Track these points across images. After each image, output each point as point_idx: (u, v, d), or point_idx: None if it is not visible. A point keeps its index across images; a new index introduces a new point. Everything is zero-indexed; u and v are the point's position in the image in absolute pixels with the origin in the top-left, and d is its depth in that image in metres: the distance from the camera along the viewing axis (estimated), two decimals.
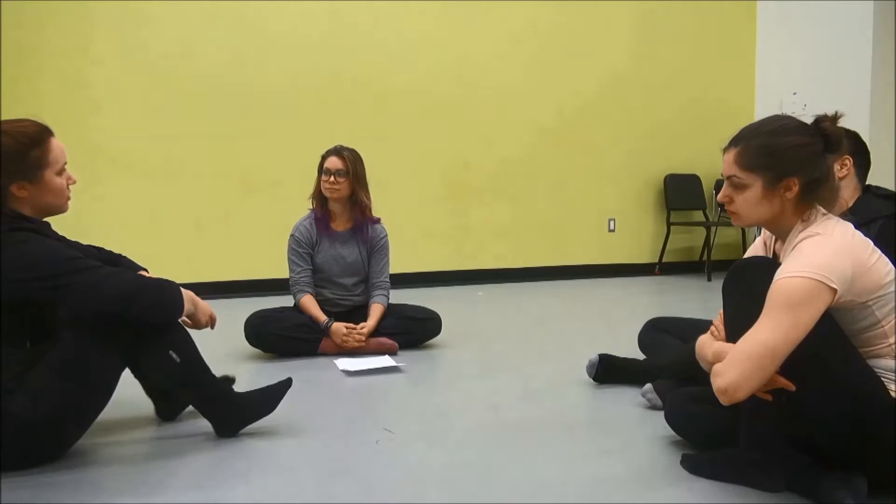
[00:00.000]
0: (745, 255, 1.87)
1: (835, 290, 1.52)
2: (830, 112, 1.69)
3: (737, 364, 1.53)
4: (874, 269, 1.59)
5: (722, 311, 1.83)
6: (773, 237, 1.85)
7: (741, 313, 1.60)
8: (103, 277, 1.83)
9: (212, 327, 2.13)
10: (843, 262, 1.55)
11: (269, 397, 2.18)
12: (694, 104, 6.63)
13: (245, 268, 5.19)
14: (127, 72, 4.92)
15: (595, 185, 6.34)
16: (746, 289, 1.64)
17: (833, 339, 1.58)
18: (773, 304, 1.54)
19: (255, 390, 2.20)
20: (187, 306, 2.01)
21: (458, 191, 5.86)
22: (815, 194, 1.68)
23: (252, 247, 5.19)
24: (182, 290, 2.00)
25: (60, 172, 1.94)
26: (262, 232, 5.17)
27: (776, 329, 1.51)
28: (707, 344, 1.78)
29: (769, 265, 1.61)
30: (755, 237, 7.16)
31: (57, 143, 1.94)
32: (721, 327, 1.82)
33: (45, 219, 1.96)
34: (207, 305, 2.11)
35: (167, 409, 2.27)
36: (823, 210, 1.69)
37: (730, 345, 1.63)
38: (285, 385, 2.21)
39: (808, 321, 1.51)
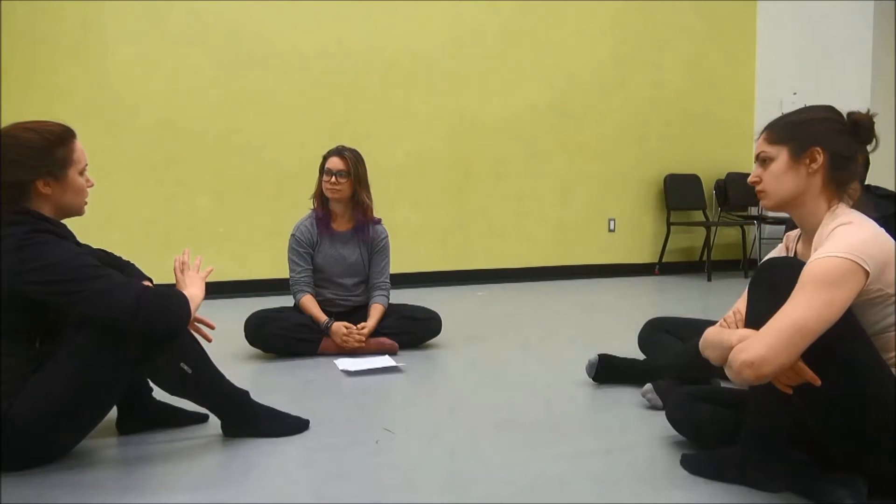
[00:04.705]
0: (766, 259, 1.86)
1: (867, 273, 1.52)
2: None
3: (765, 338, 1.52)
4: None
5: (731, 311, 1.83)
6: (796, 240, 1.85)
7: (766, 311, 1.58)
8: (115, 287, 1.83)
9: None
10: (877, 247, 1.55)
11: (283, 424, 2.19)
12: (694, 104, 6.64)
13: (245, 268, 5.20)
14: (127, 72, 4.92)
15: (595, 185, 6.34)
16: (773, 287, 1.62)
17: (856, 335, 1.57)
18: (807, 282, 1.53)
19: (275, 409, 2.21)
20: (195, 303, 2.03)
21: (459, 191, 5.86)
22: (841, 174, 1.69)
23: (252, 247, 5.19)
24: (188, 296, 1.99)
25: (82, 173, 1.96)
26: (262, 231, 5.18)
27: (809, 306, 1.50)
28: (721, 332, 1.75)
29: (796, 264, 1.60)
30: (755, 237, 7.08)
31: (79, 144, 1.96)
32: (731, 323, 1.82)
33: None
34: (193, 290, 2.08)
35: (126, 425, 2.21)
36: (850, 207, 1.69)
37: (754, 330, 1.61)
38: (302, 425, 2.21)
39: (841, 302, 1.50)
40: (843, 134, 1.70)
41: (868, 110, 1.72)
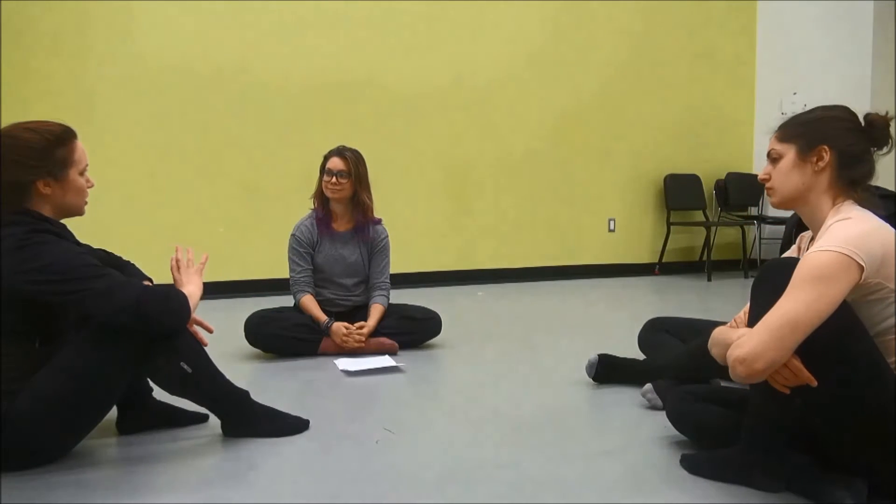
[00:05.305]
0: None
1: (862, 268, 1.51)
2: None
3: (756, 334, 1.53)
4: None
5: (741, 311, 1.83)
6: (809, 240, 1.85)
7: (767, 311, 1.58)
8: (116, 286, 1.83)
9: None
10: (873, 241, 1.55)
11: (283, 424, 2.19)
12: (694, 104, 6.63)
13: (245, 268, 5.20)
14: (127, 74, 4.91)
15: (595, 184, 6.33)
16: (774, 287, 1.61)
17: (857, 336, 1.56)
18: (799, 276, 1.53)
19: (275, 409, 2.21)
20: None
21: (459, 191, 5.86)
22: (850, 173, 1.69)
23: (252, 247, 5.19)
24: (187, 294, 2.00)
25: (82, 173, 1.96)
26: (262, 231, 5.18)
27: (798, 300, 1.50)
28: (727, 330, 1.76)
29: (797, 264, 1.61)
30: (755, 237, 7.07)
31: (80, 144, 1.96)
32: (741, 323, 1.82)
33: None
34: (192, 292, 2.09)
35: (126, 425, 2.20)
36: (857, 207, 1.69)
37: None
38: (302, 425, 2.21)
39: (833, 296, 1.50)
40: (854, 133, 1.70)
41: (887, 112, 1.72)
